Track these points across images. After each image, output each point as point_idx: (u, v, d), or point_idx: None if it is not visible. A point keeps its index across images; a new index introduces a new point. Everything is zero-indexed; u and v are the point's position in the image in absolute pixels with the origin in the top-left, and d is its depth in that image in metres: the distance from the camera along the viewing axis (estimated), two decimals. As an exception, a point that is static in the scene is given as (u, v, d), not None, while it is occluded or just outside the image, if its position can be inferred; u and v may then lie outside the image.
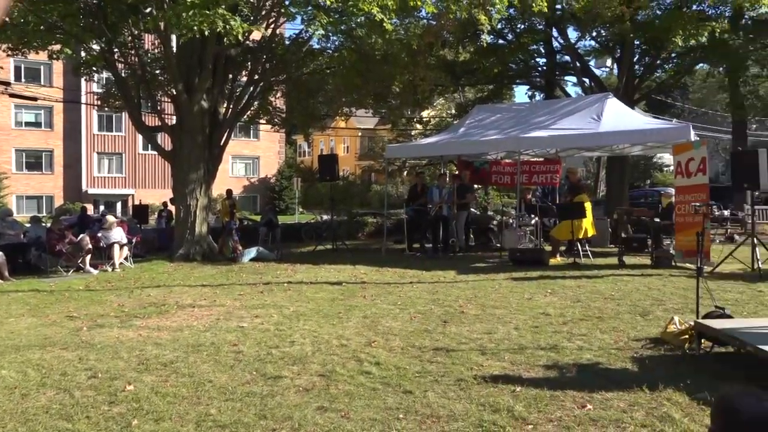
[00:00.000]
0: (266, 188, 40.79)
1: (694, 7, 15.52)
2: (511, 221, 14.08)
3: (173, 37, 13.09)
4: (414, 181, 14.94)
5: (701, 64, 21.02)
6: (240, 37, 10.61)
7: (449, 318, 6.51)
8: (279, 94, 17.59)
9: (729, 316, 5.32)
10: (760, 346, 4.21)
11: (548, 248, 11.91)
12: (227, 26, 9.82)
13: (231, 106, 14.12)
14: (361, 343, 5.55)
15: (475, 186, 17.09)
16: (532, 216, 13.49)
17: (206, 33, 10.06)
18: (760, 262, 8.96)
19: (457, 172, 14.99)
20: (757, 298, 7.14)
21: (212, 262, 12.12)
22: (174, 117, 13.92)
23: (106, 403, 4.14)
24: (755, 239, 9.34)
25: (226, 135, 14.05)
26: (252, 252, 12.68)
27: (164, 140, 17.10)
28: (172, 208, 15.35)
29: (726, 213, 17.24)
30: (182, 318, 6.88)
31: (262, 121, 18.34)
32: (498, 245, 13.22)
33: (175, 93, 13.13)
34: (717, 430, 1.63)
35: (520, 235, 13.00)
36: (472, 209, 14.72)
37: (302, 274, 10.27)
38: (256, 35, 13.69)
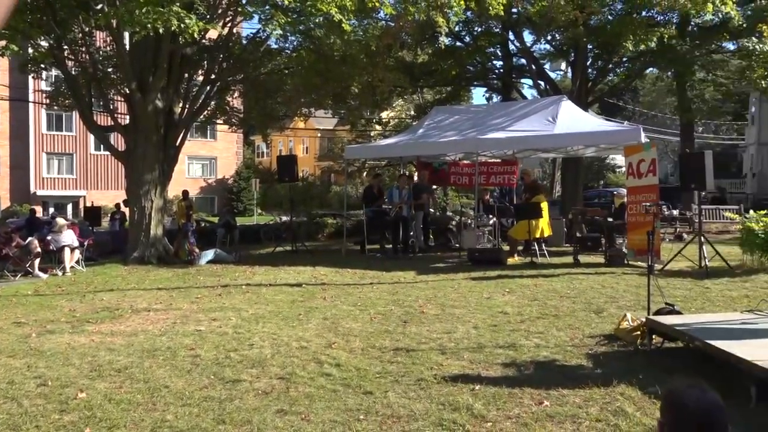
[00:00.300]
0: (224, 189, 40.18)
1: (644, 13, 16.02)
2: (469, 222, 14.23)
3: (126, 35, 12.77)
4: (370, 182, 14.95)
5: (651, 69, 21.73)
6: (196, 36, 10.43)
7: (409, 318, 6.54)
8: (236, 94, 17.36)
9: (678, 313, 5.50)
10: (708, 341, 4.37)
11: (506, 248, 12.09)
12: (182, 24, 9.63)
13: (187, 106, 13.86)
14: (321, 345, 5.52)
15: (434, 187, 17.22)
16: (490, 216, 13.67)
17: (160, 31, 9.84)
18: (707, 260, 9.29)
19: (416, 173, 15.09)
20: (704, 294, 7.40)
21: (168, 265, 11.86)
22: (127, 116, 13.57)
23: (56, 412, 4.00)
24: (702, 238, 9.69)
25: (181, 135, 13.78)
26: (209, 254, 12.46)
27: (117, 140, 16.62)
28: (125, 209, 14.98)
29: (675, 213, 17.81)
30: (137, 322, 6.72)
31: (219, 121, 18.07)
32: (457, 245, 13.34)
33: (128, 92, 12.81)
34: (666, 422, 1.69)
35: (479, 235, 13.16)
36: (431, 210, 14.83)
37: (261, 276, 10.15)
38: (212, 34, 13.47)
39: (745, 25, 14.31)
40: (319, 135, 47.58)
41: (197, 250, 12.55)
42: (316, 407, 3.97)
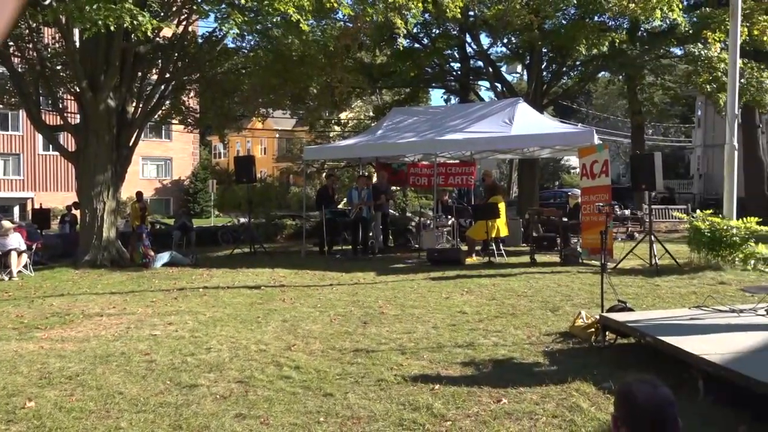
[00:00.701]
0: (180, 191, 39.41)
1: (596, 18, 16.42)
2: (428, 222, 14.33)
3: (76, 32, 12.39)
4: (324, 183, 14.89)
5: (603, 72, 22.26)
6: (149, 34, 10.19)
7: (369, 319, 6.54)
8: (192, 94, 17.03)
9: (630, 310, 5.66)
10: (658, 337, 4.51)
11: (464, 248, 12.23)
12: (135, 22, 9.39)
13: (140, 106, 13.53)
14: (280, 348, 5.47)
15: (394, 188, 17.28)
16: (449, 217, 13.80)
17: (112, 28, 9.57)
18: (657, 258, 9.59)
19: (375, 174, 15.11)
20: (654, 291, 7.64)
21: (122, 269, 11.56)
22: (78, 116, 13.17)
23: (2, 423, 3.85)
24: (652, 237, 9.99)
25: (135, 135, 13.45)
26: (165, 257, 12.19)
27: (67, 140, 16.09)
28: (77, 212, 14.52)
29: (627, 212, 18.34)
30: (89, 328, 6.52)
31: (174, 121, 17.70)
32: (416, 246, 13.42)
33: (78, 91, 12.43)
34: (619, 416, 1.74)
35: (438, 235, 13.27)
36: (391, 210, 14.87)
37: (219, 278, 10.00)
38: (167, 32, 13.20)
39: (691, 32, 14.84)
40: (277, 136, 47.12)
41: (152, 253, 12.27)
42: (275, 410, 3.93)
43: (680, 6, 12.82)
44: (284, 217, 19.68)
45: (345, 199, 13.81)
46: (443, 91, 25.12)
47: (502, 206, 11.64)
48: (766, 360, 3.96)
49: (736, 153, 9.99)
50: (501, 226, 11.59)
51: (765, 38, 12.68)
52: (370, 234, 13.37)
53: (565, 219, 11.89)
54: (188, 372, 4.80)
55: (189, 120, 17.25)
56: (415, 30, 18.10)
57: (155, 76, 14.35)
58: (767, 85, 14.71)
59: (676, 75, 18.85)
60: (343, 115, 28.58)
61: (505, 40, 19.21)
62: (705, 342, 4.30)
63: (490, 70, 18.86)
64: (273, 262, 11.93)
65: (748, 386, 3.57)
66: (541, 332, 5.76)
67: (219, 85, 15.39)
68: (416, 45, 19.37)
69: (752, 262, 8.99)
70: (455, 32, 19.06)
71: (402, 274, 9.92)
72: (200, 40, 15.08)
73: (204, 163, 44.15)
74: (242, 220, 19.50)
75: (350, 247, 13.37)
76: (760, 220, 9.43)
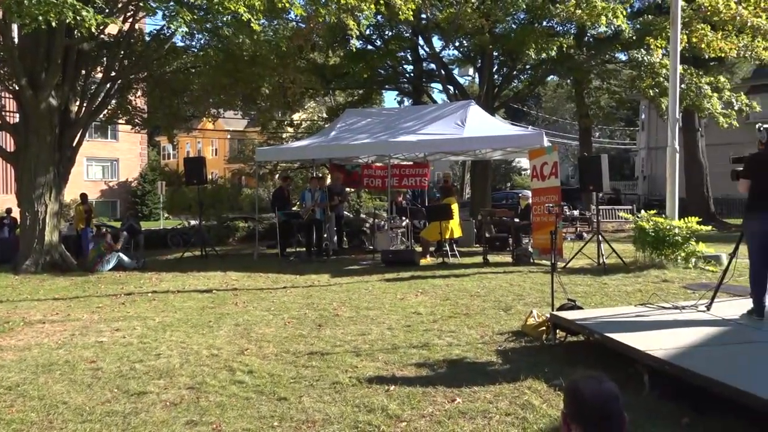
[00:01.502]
0: (127, 192, 38.31)
1: (545, 23, 16.82)
2: (382, 223, 14.38)
3: (14, 27, 11.89)
4: (280, 185, 14.76)
5: (552, 76, 22.84)
6: (93, 30, 9.87)
7: (324, 321, 6.52)
8: (139, 93, 16.60)
9: (579, 308, 5.81)
10: (606, 334, 4.64)
11: (419, 249, 12.32)
12: (78, 17, 9.07)
13: (85, 105, 13.09)
14: (233, 352, 5.39)
15: (348, 189, 17.26)
16: (403, 218, 13.87)
17: (53, 24, 9.22)
18: (604, 257, 9.89)
19: (328, 176, 15.06)
20: (602, 289, 7.87)
21: (65, 274, 11.17)
22: (17, 114, 12.64)
23: (-64, 438, 3.66)
24: (600, 237, 10.29)
25: (79, 135, 13.01)
26: (112, 260, 11.84)
27: (5, 140, 15.43)
28: (17, 214, 13.93)
29: (575, 213, 18.84)
30: (30, 336, 6.27)
31: (120, 121, 17.21)
32: (371, 247, 13.45)
33: (18, 89, 11.93)
34: (568, 412, 1.79)
35: (392, 236, 13.32)
36: (345, 212, 14.84)
37: (168, 282, 9.79)
38: (112, 29, 12.81)
39: (634, 38, 15.36)
40: (228, 136, 46.41)
41: (118, 246, 11.95)
42: (228, 416, 3.87)
43: (624, 13, 13.25)
44: (236, 219, 19.43)
45: (299, 200, 13.71)
46: (396, 92, 25.26)
47: (455, 207, 11.78)
48: (706, 354, 4.14)
49: (677, 155, 10.39)
50: (454, 227, 11.72)
51: (703, 46, 13.24)
52: (325, 236, 13.32)
53: (517, 220, 12.13)
54: (137, 379, 4.67)
55: (136, 120, 16.80)
56: (367, 31, 18.12)
57: (100, 75, 13.91)
58: (706, 91, 15.34)
59: (621, 80, 19.47)
60: (296, 116, 28.35)
61: (457, 44, 19.46)
62: (650, 338, 4.46)
63: (443, 72, 19.06)
64: (225, 265, 11.75)
65: (689, 380, 3.71)
66: (494, 331, 5.85)
67: (167, 85, 15.05)
68: (369, 46, 19.40)
69: (693, 260, 9.39)
70: (408, 34, 19.19)
71: (356, 276, 9.91)
72: (148, 38, 14.69)
73: (152, 164, 43.07)
74: (193, 222, 19.14)
75: (304, 249, 13.30)
76: (700, 219, 9.85)
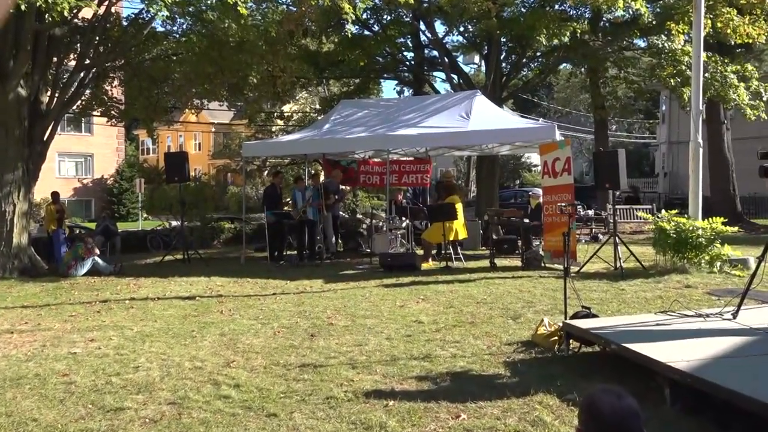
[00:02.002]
0: (102, 191, 38.27)
1: (557, 6, 16.86)
2: (381, 224, 14.38)
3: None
4: (272, 181, 14.76)
5: (564, 64, 22.88)
6: (66, 14, 9.86)
7: (316, 331, 6.52)
8: (116, 83, 16.58)
9: (594, 316, 5.82)
10: (623, 344, 4.65)
11: (420, 252, 12.32)
12: (49, 0, 9.08)
13: (56, 95, 13.09)
14: (218, 364, 5.39)
15: (342, 187, 17.26)
16: (403, 218, 13.88)
17: (22, 7, 9.22)
18: (621, 261, 9.90)
19: (322, 172, 15.05)
20: (619, 296, 7.88)
21: (35, 279, 11.15)
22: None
23: None
24: (617, 239, 10.31)
25: (50, 129, 13.00)
26: (86, 264, 11.83)
27: (-30, 134, 15.41)
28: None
29: (590, 213, 18.87)
30: (-3, 347, 6.26)
31: (96, 113, 17.19)
32: (368, 250, 13.45)
33: (-17, 78, 11.93)
34: (583, 429, 1.79)
35: (391, 239, 13.33)
36: (340, 212, 14.84)
37: (148, 288, 9.78)
38: (86, 13, 12.80)
39: (654, 23, 15.40)
40: (213, 130, 46.44)
41: (97, 251, 11.98)
42: (212, 434, 3.87)
43: (643, -5, 13.29)
44: (221, 219, 19.41)
45: (290, 199, 13.72)
46: (396, 82, 25.21)
47: (459, 207, 11.78)
48: (732, 366, 4.14)
49: (701, 150, 10.41)
50: (459, 228, 11.73)
51: (729, 31, 13.26)
52: (319, 237, 13.33)
53: (527, 220, 12.14)
54: (113, 394, 4.67)
55: (113, 112, 16.77)
56: (364, 16, 18.14)
57: (73, 62, 13.90)
58: (732, 80, 15.36)
59: (639, 68, 19.52)
60: (286, 108, 28.37)
61: (462, 29, 19.49)
62: (671, 348, 4.46)
63: (446, 60, 19.09)
64: (209, 269, 11.74)
65: (713, 393, 3.72)
66: (501, 342, 5.86)
67: (147, 73, 15.03)
68: (366, 32, 19.42)
69: (718, 264, 9.40)
70: (408, 19, 19.20)
71: (352, 282, 9.91)
72: (125, 23, 14.70)
73: (130, 160, 43.06)
74: (174, 223, 19.11)
75: (295, 252, 13.30)
76: (726, 220, 9.86)
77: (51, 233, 13.84)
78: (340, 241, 14.62)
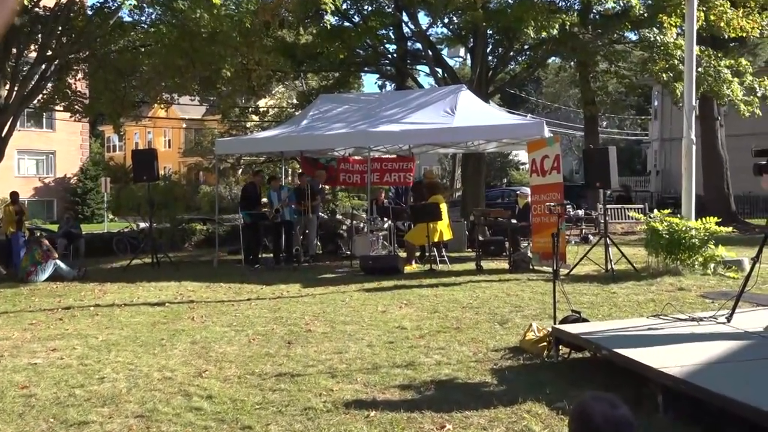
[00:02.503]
0: (65, 191, 37.88)
1: (545, -3, 16.96)
2: (361, 225, 14.37)
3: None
4: (251, 179, 14.69)
5: (553, 58, 23.06)
6: (26, 2, 9.75)
7: (294, 338, 6.50)
8: (80, 75, 16.42)
9: (585, 320, 5.86)
10: (614, 349, 4.69)
11: (403, 254, 12.33)
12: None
13: (16, 88, 12.93)
14: (189, 374, 5.35)
15: (321, 186, 17.23)
16: (385, 219, 13.88)
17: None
18: (613, 263, 9.99)
19: (300, 171, 15.01)
20: (610, 299, 7.95)
21: (-7, 285, 11.01)
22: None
23: None
24: (608, 240, 10.40)
25: (9, 124, 12.86)
26: (47, 269, 11.69)
27: None
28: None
29: (580, 213, 19.01)
30: (-49, 358, 6.16)
31: (58, 108, 17.02)
32: (348, 253, 13.44)
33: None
34: (573, 439, 1.80)
35: (372, 240, 13.32)
36: (320, 213, 14.82)
37: (114, 294, 9.70)
38: (48, 1, 12.67)
39: (646, 15, 15.56)
40: (184, 126, 46.11)
41: (56, 255, 11.84)
42: (183, 449, 3.84)
43: (634, -14, 13.43)
44: (193, 221, 19.31)
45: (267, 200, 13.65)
46: (377, 76, 25.28)
47: (443, 207, 11.81)
48: (727, 371, 4.19)
49: (694, 147, 10.54)
50: (443, 229, 11.76)
51: (722, 24, 13.44)
52: (301, 238, 13.28)
53: (514, 221, 12.20)
54: (76, 407, 4.61)
55: (76, 106, 16.62)
56: (344, 6, 18.13)
57: (34, 54, 13.74)
58: (725, 75, 15.57)
59: (631, 62, 19.70)
60: (261, 103, 28.23)
61: (446, 20, 19.54)
62: (664, 354, 4.51)
63: (430, 53, 19.13)
64: (180, 274, 11.68)
65: (707, 400, 3.76)
66: (488, 348, 5.88)
67: (113, 66, 14.91)
68: (346, 23, 19.40)
69: (712, 266, 9.52)
70: (390, 9, 19.22)
71: (331, 286, 9.90)
72: (90, 12, 14.56)
73: (95, 158, 42.64)
74: (142, 225, 18.97)
75: (272, 255, 13.25)
76: (720, 220, 9.98)
77: (9, 236, 13.63)
78: (318, 243, 14.59)
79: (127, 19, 14.67)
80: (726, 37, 14.49)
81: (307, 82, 26.98)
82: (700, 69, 14.79)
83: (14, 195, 15.22)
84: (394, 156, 15.59)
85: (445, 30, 20.89)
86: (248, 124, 27.00)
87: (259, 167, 22.97)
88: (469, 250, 13.93)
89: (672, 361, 4.28)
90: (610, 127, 47.67)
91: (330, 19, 12.98)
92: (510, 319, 7.04)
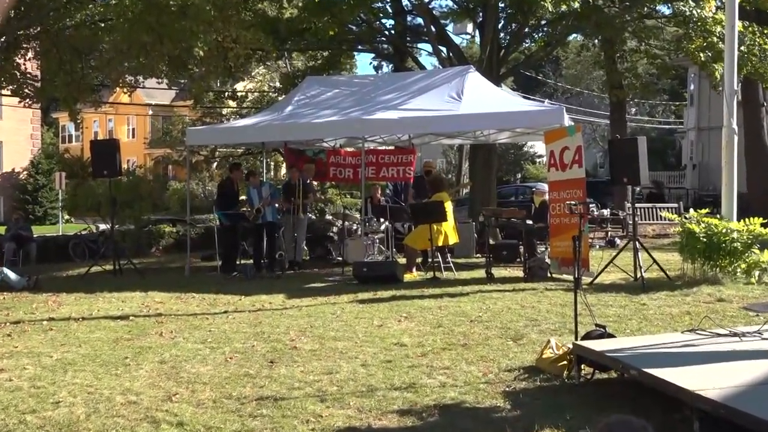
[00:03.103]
0: (13, 187, 37.83)
1: (566, -35, 16.98)
2: (355, 227, 14.38)
3: None
4: (229, 175, 14.69)
5: (574, 35, 23.05)
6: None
7: (277, 357, 6.51)
8: (31, 55, 16.40)
9: (611, 336, 5.87)
10: (645, 369, 4.69)
11: (402, 261, 12.33)
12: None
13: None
14: (157, 398, 5.35)
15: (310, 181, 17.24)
16: (382, 220, 13.89)
17: None
18: (643, 271, 9.99)
19: (292, 165, 15.01)
20: (640, 312, 7.96)
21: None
22: None
23: None
24: (637, 243, 10.39)
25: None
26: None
27: None
28: None
29: (605, 213, 19.01)
30: None
31: (5, 92, 17.00)
32: (339, 258, 13.43)
33: None
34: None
35: (367, 244, 13.33)
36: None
37: (70, 307, 9.68)
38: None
39: (681, -15, 15.60)
40: (150, 113, 46.11)
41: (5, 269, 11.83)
42: (150, 483, 3.85)
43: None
44: (161, 222, 19.29)
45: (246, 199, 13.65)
46: (372, 55, 25.29)
47: (448, 206, 11.81)
48: (773, 394, 4.20)
49: (736, 137, 10.55)
50: (448, 231, 11.76)
51: (769, -4, 13.47)
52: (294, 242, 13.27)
53: (530, 222, 12.22)
54: (28, 435, 4.62)
55: (26, 90, 16.59)
56: (334, -25, 18.12)
57: (-23, 30, 13.74)
58: (772, 54, 15.60)
59: (663, 40, 19.72)
60: (239, 86, 28.29)
61: (452, -9, 19.53)
62: (700, 374, 4.51)
63: (433, 29, 19.13)
64: (146, 283, 11.66)
65: (750, 427, 3.77)
66: (500, 368, 5.89)
67: (68, 44, 14.90)
68: (336, -6, 19.40)
69: (757, 273, 9.52)
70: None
71: (320, 297, 9.91)
72: (42, -18, 14.54)
73: (48, 150, 42.56)
74: (102, 227, 18.96)
75: (251, 261, 13.24)
76: (766, 221, 9.97)
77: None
78: (305, 247, 14.60)
79: (85, -11, 14.69)
80: (773, 10, 14.52)
81: (292, 62, 26.98)
82: (742, 48, 14.80)
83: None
84: (392, 148, 15.60)
85: (450, 2, 20.95)
86: (224, 111, 27.02)
87: (237, 160, 22.95)
88: (477, 255, 13.93)
89: (710, 382, 4.29)
90: (639, 114, 47.79)
91: (318, -10, 13.00)
92: (525, 334, 7.05)
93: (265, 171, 15.43)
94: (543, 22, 19.57)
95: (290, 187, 13.24)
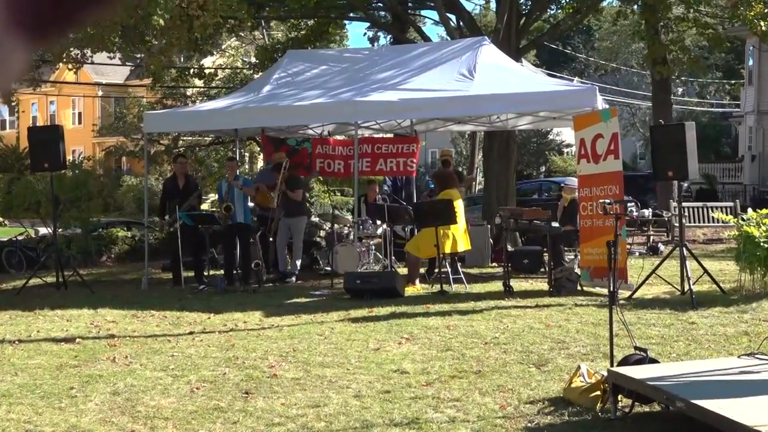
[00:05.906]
0: (-65, 184, 37.86)
1: None
2: (346, 231, 14.38)
3: None
4: (173, 169, 14.62)
5: (609, 0, 23.09)
6: None
7: (253, 386, 6.51)
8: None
9: (654, 361, 5.88)
10: (694, 401, 4.71)
11: (403, 271, 12.33)
12: None
13: None
14: (109, 437, 5.36)
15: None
16: (379, 223, 13.88)
17: None
18: (691, 283, 9.97)
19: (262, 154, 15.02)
20: (688, 332, 7.97)
21: None
22: None
23: None
24: (685, 250, 10.39)
25: None
26: None
27: None
28: None
29: (646, 213, 19.02)
30: None
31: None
32: (327, 268, 13.42)
33: None
34: None
35: (362, 251, 13.32)
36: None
37: (3, 327, 9.67)
38: None
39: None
40: (100, 94, 46.02)
41: None
42: None
43: None
44: (113, 225, 19.27)
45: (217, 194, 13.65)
46: (367, 25, 25.30)
47: (459, 206, 11.82)
48: None
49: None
50: (458, 235, 11.76)
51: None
52: (285, 253, 13.26)
53: (556, 224, 12.23)
54: (-46, 482, 4.62)
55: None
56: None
57: None
58: None
59: (716, 6, 19.74)
60: (207, 62, 28.24)
61: (463, -52, 19.56)
62: (760, 407, 4.53)
63: (440, -7, 19.17)
64: (95, 298, 11.67)
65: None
66: (521, 399, 5.90)
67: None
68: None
69: (828, 286, 9.55)
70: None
71: (305, 314, 9.90)
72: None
73: (-23, 139, 42.57)
74: (43, 231, 18.95)
75: (222, 272, 13.23)
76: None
77: None
78: (288, 257, 14.59)
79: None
80: None
81: (270, 33, 26.98)
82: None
83: None
84: (391, 136, 15.61)
85: (460, -38, 20.94)
86: (189, 92, 27.00)
87: (206, 151, 22.93)
88: (493, 264, 13.94)
89: (772, 416, 4.31)
90: (687, 95, 47.77)
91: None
92: (550, 359, 7.06)
93: (237, 161, 15.35)
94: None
95: (277, 168, 13.13)
